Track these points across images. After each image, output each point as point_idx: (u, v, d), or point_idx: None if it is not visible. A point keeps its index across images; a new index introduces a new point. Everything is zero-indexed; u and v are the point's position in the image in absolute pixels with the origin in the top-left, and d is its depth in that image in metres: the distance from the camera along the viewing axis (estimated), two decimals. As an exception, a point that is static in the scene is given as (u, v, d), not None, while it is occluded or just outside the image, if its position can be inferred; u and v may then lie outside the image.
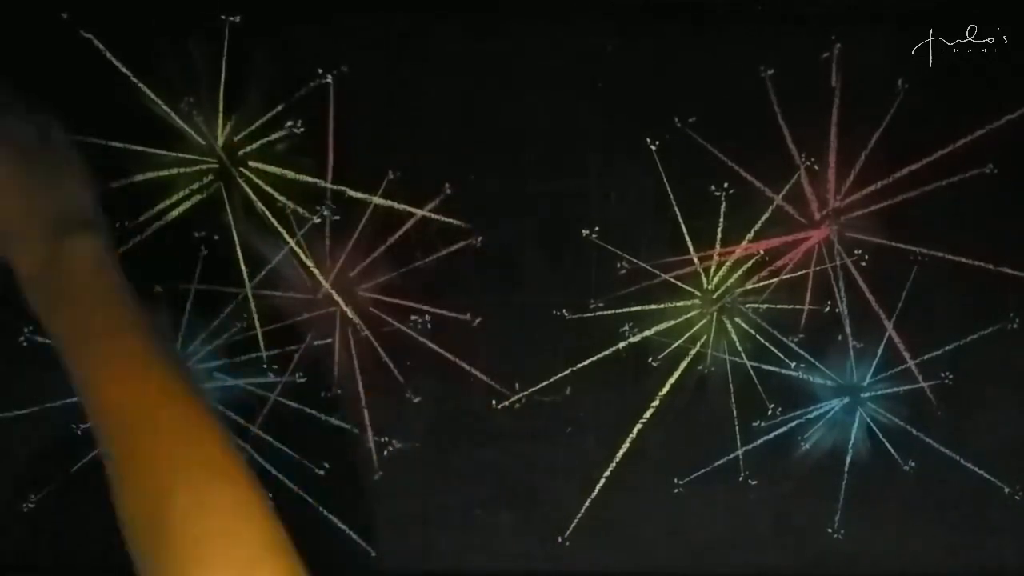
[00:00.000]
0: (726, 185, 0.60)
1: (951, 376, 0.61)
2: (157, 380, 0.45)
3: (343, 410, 0.60)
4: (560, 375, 0.60)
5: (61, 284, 0.48)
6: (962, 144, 0.59)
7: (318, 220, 0.59)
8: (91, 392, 0.44)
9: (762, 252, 0.60)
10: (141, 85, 0.57)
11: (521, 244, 0.60)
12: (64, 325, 0.47)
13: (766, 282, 0.61)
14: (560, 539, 0.62)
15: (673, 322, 0.61)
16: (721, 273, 0.61)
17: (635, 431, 0.61)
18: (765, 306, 0.61)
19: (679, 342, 0.61)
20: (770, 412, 0.61)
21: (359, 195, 0.59)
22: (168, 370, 0.45)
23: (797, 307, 0.61)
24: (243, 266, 0.59)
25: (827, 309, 0.61)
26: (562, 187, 0.59)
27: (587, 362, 0.61)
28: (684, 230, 0.60)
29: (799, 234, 0.60)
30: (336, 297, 0.60)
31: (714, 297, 0.61)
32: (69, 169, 0.52)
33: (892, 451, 0.61)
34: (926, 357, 0.61)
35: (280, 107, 0.58)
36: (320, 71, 0.58)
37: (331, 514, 0.60)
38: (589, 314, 0.60)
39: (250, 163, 0.58)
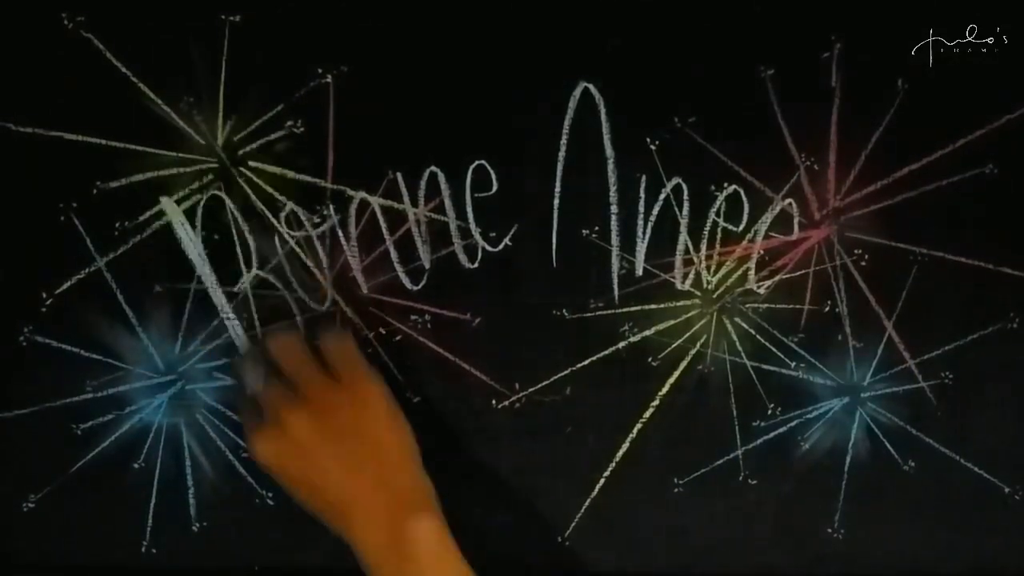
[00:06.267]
0: (726, 185, 0.60)
1: (951, 376, 0.61)
2: None
3: (343, 410, 0.60)
4: (560, 375, 0.60)
5: (407, 571, 0.50)
6: (962, 144, 0.59)
7: (318, 220, 0.59)
8: None
9: (762, 252, 0.60)
10: (141, 85, 0.57)
11: (521, 244, 0.60)
12: None
13: (766, 282, 0.61)
14: (560, 539, 0.62)
15: (673, 322, 0.61)
16: (721, 273, 0.61)
17: (635, 431, 0.61)
18: (765, 306, 0.61)
19: (679, 342, 0.61)
20: (770, 412, 0.61)
21: (359, 195, 0.59)
22: None
23: (797, 307, 0.61)
24: (243, 266, 0.59)
25: (827, 309, 0.61)
26: (562, 187, 0.59)
27: (587, 362, 0.61)
28: (684, 230, 0.60)
29: (799, 234, 0.60)
30: (336, 297, 0.60)
31: (714, 297, 0.61)
32: (395, 435, 0.54)
33: (892, 451, 0.61)
34: (926, 357, 0.61)
35: (280, 107, 0.58)
36: (320, 71, 0.58)
37: (331, 514, 0.60)
38: (589, 314, 0.60)
39: (250, 163, 0.58)
